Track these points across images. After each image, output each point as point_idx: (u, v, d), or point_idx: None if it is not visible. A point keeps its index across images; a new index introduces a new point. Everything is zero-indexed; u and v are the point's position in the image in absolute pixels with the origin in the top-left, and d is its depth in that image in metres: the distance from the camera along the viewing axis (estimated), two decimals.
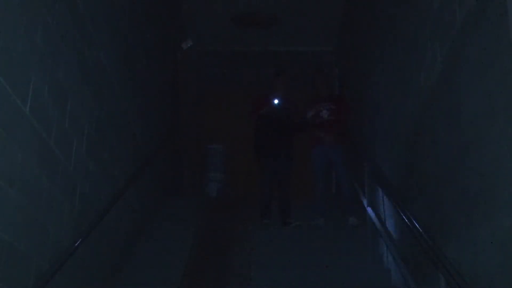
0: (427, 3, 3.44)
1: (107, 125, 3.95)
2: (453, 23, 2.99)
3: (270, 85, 6.08)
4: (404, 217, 3.44)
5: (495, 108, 2.46)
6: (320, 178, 5.70)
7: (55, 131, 2.96)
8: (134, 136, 4.82)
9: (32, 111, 2.66)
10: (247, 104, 6.31)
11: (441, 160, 3.21)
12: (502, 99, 2.40)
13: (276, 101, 5.89)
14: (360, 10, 6.19)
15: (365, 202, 4.85)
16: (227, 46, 8.51)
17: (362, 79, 6.05)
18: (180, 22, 7.50)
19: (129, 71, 4.63)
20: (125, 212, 4.40)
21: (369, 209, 4.72)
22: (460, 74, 2.92)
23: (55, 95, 2.96)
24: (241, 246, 4.96)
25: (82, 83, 3.42)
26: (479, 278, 2.61)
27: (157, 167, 5.67)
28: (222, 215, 6.04)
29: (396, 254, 3.91)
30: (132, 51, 4.76)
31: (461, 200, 2.87)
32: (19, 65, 2.54)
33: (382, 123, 4.92)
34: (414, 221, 3.29)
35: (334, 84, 7.96)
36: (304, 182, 7.34)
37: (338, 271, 4.38)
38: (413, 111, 3.82)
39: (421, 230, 3.18)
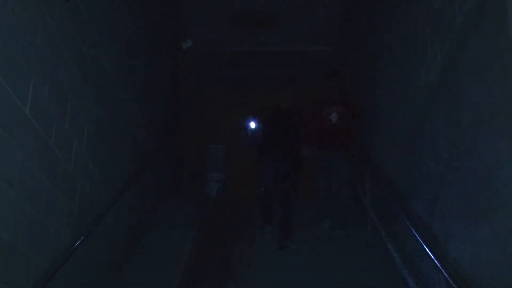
0: (427, 3, 3.44)
1: (107, 125, 3.95)
2: (453, 23, 2.99)
3: (275, 97, 5.77)
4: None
5: (495, 108, 2.46)
6: (322, 180, 5.60)
7: (55, 131, 2.96)
8: (134, 136, 4.82)
9: (32, 111, 2.66)
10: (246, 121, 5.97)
11: (441, 160, 3.21)
12: (502, 99, 2.39)
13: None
14: (361, 10, 6.19)
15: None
16: (227, 46, 8.50)
17: (362, 78, 6.04)
18: (180, 22, 7.50)
19: (129, 71, 4.63)
20: (125, 212, 4.40)
21: None
22: (460, 74, 2.92)
23: (55, 95, 2.96)
24: (241, 246, 4.96)
25: (82, 83, 3.42)
26: (479, 278, 2.61)
27: (157, 167, 5.67)
28: (222, 214, 6.03)
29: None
30: (132, 51, 4.76)
31: (461, 200, 2.87)
32: (19, 65, 2.54)
33: (382, 122, 4.92)
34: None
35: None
36: (304, 184, 7.30)
37: (338, 271, 4.38)
38: (413, 111, 3.82)
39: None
